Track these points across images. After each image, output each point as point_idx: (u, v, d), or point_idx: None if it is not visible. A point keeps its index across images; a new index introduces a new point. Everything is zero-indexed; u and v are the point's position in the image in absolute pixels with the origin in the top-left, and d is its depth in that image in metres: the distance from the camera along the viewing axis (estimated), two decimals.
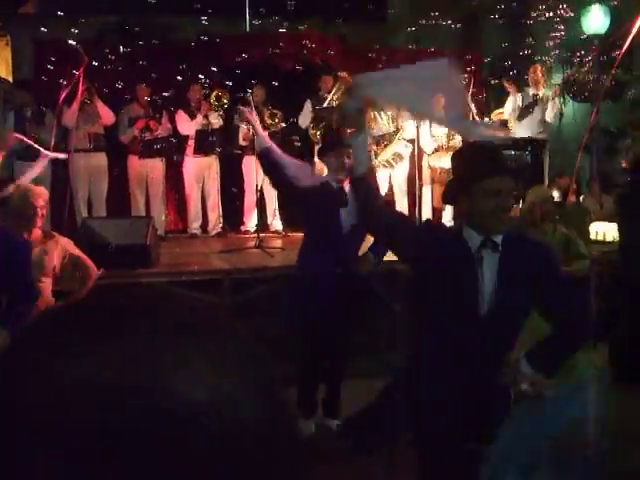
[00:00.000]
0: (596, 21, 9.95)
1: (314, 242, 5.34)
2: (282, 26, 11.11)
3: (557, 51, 11.58)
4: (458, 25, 11.81)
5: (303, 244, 5.55)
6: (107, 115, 9.28)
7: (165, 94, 10.14)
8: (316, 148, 9.75)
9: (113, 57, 10.46)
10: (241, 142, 9.65)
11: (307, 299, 5.23)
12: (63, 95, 8.61)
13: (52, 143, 8.28)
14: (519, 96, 9.74)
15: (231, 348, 0.65)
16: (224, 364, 0.63)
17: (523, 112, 9.72)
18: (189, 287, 7.09)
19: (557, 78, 11.72)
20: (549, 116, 9.62)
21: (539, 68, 9.79)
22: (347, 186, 5.08)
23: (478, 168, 3.09)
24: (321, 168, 8.93)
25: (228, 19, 11.20)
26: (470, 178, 3.09)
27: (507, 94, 10.12)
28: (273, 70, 10.66)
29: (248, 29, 11.47)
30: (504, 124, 10.09)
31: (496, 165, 3.14)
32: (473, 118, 9.98)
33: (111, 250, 6.83)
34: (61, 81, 8.76)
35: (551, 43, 11.38)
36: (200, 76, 10.17)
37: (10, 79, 11.01)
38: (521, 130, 9.75)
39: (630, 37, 6.49)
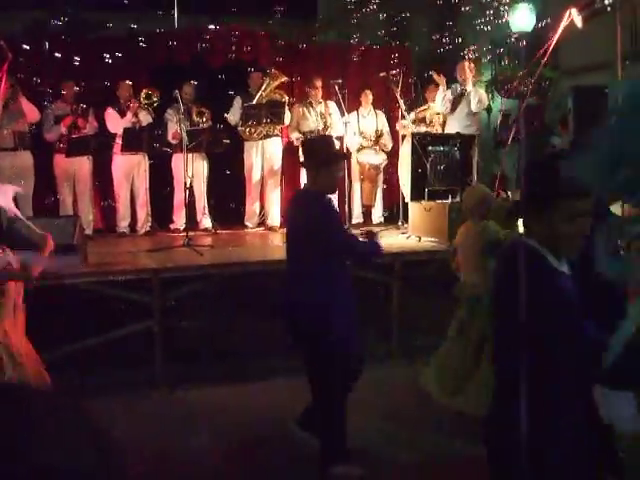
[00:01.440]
0: (523, 19, 10.13)
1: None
2: (211, 23, 11.07)
3: (486, 48, 11.82)
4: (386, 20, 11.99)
5: None
6: (32, 112, 9.12)
7: (92, 92, 10.03)
8: (245, 145, 9.81)
9: (38, 53, 10.31)
10: (170, 140, 9.59)
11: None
12: None
13: None
14: (448, 91, 9.87)
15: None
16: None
17: (454, 104, 9.85)
18: (118, 286, 7.07)
19: (486, 75, 11.94)
20: (473, 105, 9.76)
21: (467, 64, 9.94)
22: None
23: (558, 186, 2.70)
24: None
25: (157, 16, 11.12)
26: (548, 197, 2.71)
27: (433, 91, 10.24)
28: (202, 67, 10.63)
29: (177, 26, 11.41)
30: (423, 120, 10.25)
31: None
32: (402, 115, 10.12)
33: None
34: None
35: (479, 39, 11.60)
36: (128, 73, 10.07)
37: None
38: (452, 125, 9.90)
39: (556, 35, 6.63)
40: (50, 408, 0.82)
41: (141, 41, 10.69)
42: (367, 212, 10.64)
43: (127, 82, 9.79)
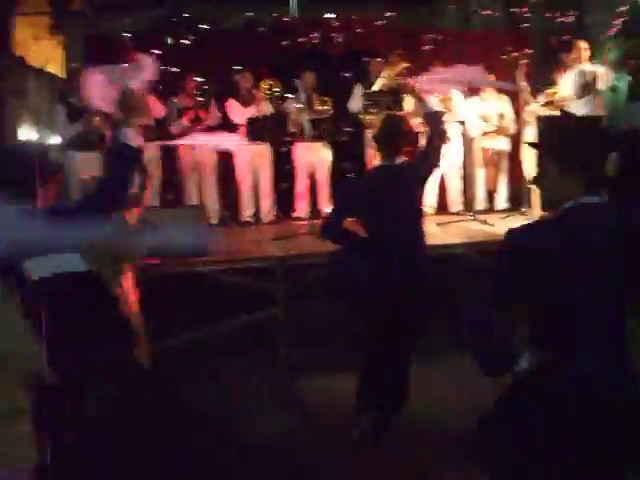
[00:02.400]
0: None
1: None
2: (329, 11, 11.07)
3: (612, 23, 11.32)
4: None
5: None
6: (157, 107, 9.35)
7: (214, 83, 10.19)
8: (366, 133, 9.74)
9: (160, 49, 10.56)
10: (291, 129, 9.65)
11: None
12: None
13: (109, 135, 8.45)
14: (578, 73, 9.49)
15: None
16: None
17: (584, 87, 9.46)
18: (243, 274, 7.16)
19: (614, 52, 11.42)
20: (601, 85, 9.36)
21: (581, 43, 9.54)
22: None
23: None
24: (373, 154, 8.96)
25: (275, 6, 11.20)
26: None
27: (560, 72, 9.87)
28: (321, 56, 10.65)
29: (296, 15, 11.49)
30: (550, 103, 9.89)
31: None
32: (526, 99, 9.86)
33: None
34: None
35: (605, 14, 11.12)
36: (249, 64, 10.18)
37: (63, 76, 11.25)
38: (575, 107, 9.54)
39: None
40: None
41: (261, 31, 10.80)
42: (490, 197, 10.43)
43: (248, 73, 9.88)
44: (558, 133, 2.86)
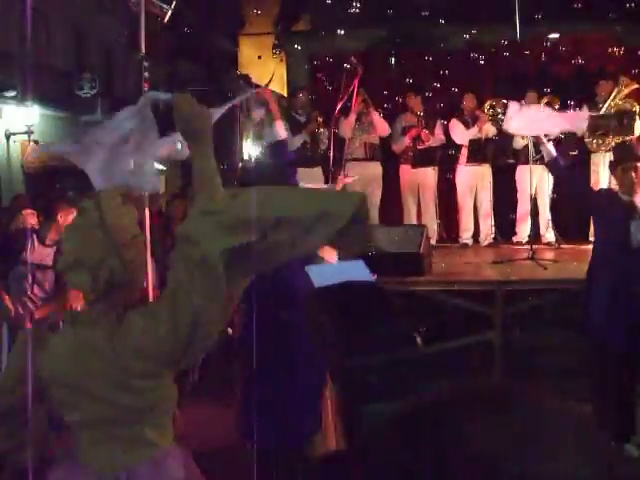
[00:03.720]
0: None
1: (605, 256, 5.33)
2: (553, 28, 10.85)
3: None
4: None
5: (593, 257, 5.59)
6: (382, 126, 9.56)
7: (438, 103, 10.28)
8: (592, 157, 9.45)
9: (385, 68, 10.80)
10: (514, 151, 9.55)
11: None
12: (339, 106, 9.04)
13: (331, 153, 8.78)
14: None
15: None
16: None
17: None
18: (461, 297, 7.17)
19: None
20: None
21: None
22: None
23: None
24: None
25: (497, 27, 11.12)
26: None
27: None
28: (547, 77, 10.46)
29: (519, 36, 11.35)
30: None
31: None
32: None
33: None
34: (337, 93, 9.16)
35: None
36: (472, 84, 10.19)
37: (284, 93, 11.77)
38: None
39: None
40: None
41: (484, 52, 10.77)
42: None
43: (471, 94, 9.87)
44: None
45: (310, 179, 8.91)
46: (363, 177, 9.24)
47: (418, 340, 6.89)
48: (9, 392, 2.32)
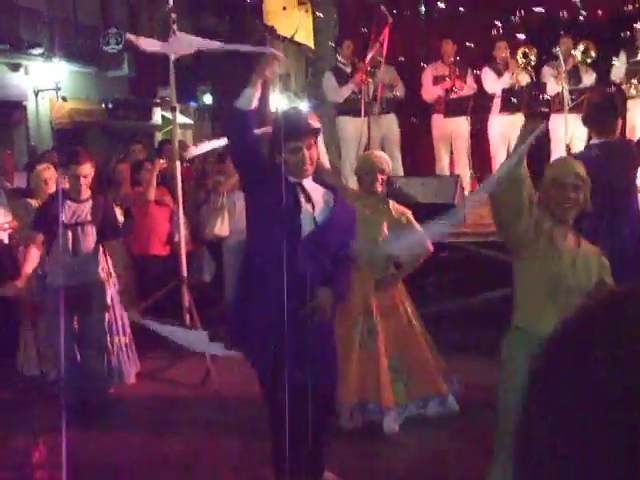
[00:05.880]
0: None
1: None
2: None
3: None
4: None
5: None
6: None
7: (469, 51, 10.07)
8: (629, 103, 9.22)
9: (415, 16, 10.58)
10: (548, 99, 9.35)
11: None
12: (369, 56, 8.86)
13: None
14: None
15: None
16: None
17: None
18: (495, 249, 7.08)
19: None
20: None
21: None
22: None
23: None
24: None
25: None
26: None
27: None
28: (582, 21, 10.19)
29: None
30: None
31: None
32: None
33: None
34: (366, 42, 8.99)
35: None
36: (505, 32, 9.96)
37: (311, 45, 11.59)
38: None
39: None
40: None
41: None
42: None
43: (503, 42, 9.65)
44: None
45: (355, 129, 8.87)
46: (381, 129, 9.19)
47: None
48: None
